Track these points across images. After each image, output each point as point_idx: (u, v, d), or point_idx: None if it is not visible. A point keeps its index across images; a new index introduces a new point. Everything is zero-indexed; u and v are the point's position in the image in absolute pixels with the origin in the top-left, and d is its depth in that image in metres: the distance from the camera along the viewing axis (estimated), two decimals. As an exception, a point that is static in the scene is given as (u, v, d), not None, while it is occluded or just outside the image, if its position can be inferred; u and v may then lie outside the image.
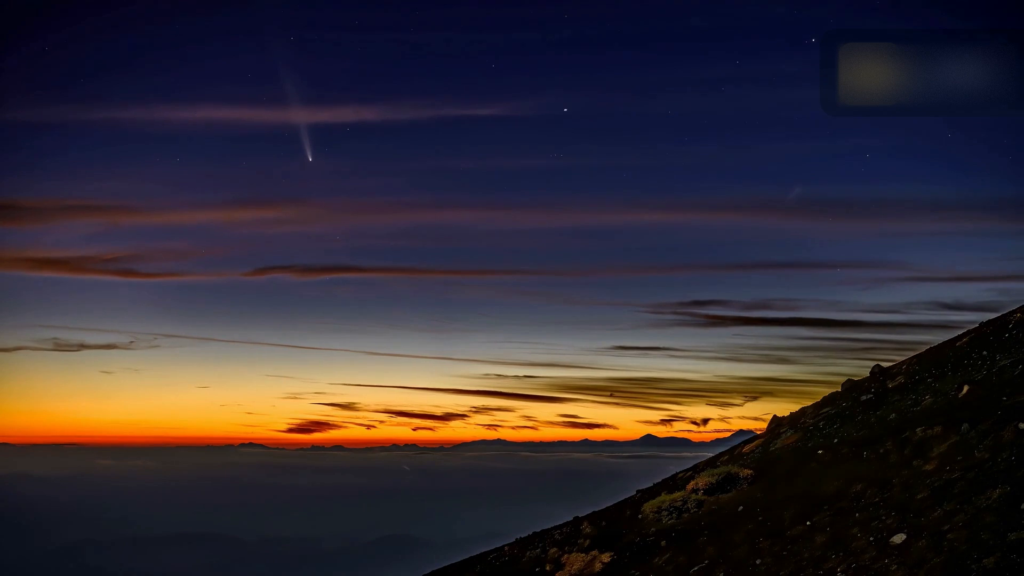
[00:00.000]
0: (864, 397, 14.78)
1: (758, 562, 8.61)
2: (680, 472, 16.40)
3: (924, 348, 17.02)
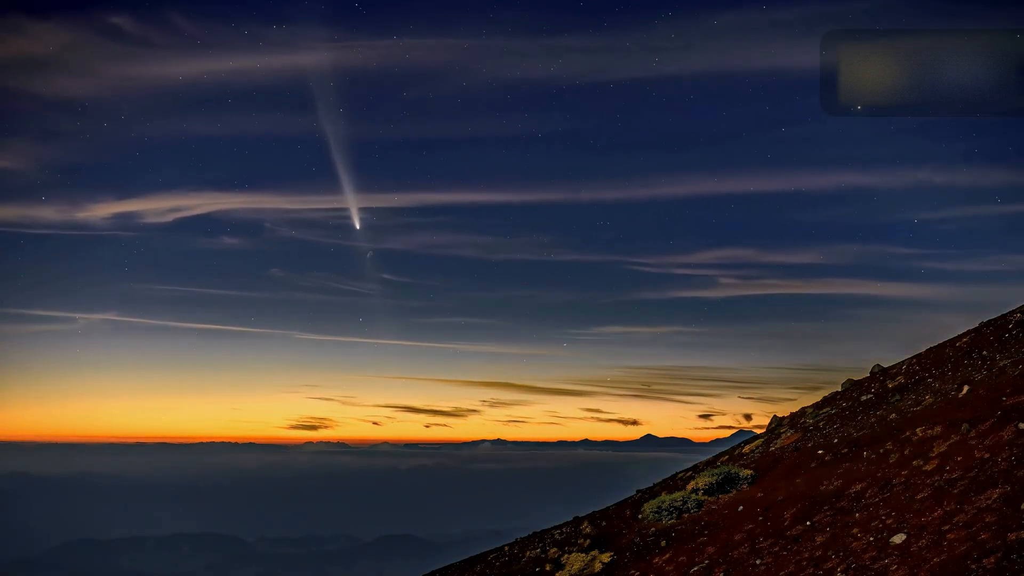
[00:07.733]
0: (864, 397, 14.78)
1: (758, 562, 8.61)
2: (680, 472, 16.40)
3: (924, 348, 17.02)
